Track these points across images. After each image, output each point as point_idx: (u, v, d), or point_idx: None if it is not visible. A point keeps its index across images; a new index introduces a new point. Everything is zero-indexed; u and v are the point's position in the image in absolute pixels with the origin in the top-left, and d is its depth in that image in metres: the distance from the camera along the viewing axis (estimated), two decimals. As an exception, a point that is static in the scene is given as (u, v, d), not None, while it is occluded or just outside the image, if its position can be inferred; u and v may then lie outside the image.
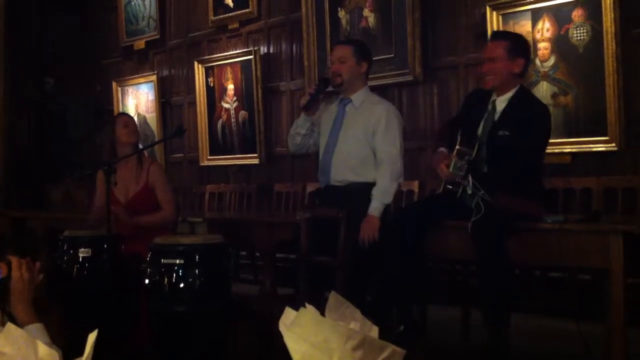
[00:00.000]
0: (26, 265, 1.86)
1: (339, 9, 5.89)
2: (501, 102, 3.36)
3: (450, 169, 3.17)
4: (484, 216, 3.05)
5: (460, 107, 3.75)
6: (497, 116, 3.33)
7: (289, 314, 1.20)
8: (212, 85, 7.01)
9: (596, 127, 4.55)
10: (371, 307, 3.47)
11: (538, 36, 4.79)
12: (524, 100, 3.36)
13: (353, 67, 3.80)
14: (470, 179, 3.13)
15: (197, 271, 3.00)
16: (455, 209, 3.22)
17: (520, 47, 3.39)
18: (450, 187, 3.27)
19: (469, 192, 3.15)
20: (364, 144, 3.71)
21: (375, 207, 3.60)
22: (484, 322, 3.14)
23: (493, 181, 3.14)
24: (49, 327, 1.83)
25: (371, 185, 3.70)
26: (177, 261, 2.99)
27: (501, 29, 4.92)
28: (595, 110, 4.55)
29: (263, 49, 6.61)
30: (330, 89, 3.95)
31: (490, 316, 3.10)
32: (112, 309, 3.20)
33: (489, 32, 4.96)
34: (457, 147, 3.23)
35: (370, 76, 5.48)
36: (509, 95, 3.35)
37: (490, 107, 3.37)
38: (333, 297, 1.26)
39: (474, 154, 3.20)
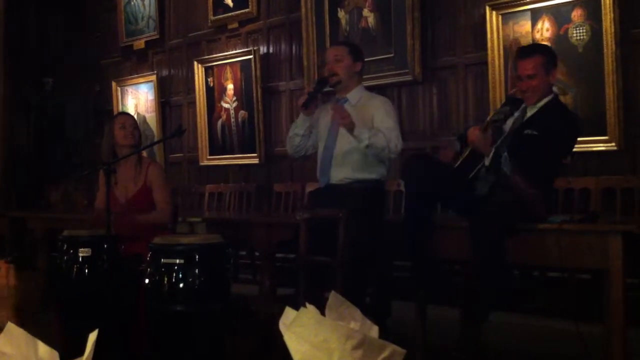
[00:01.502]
0: (14, 272, 1.86)
1: (338, 9, 5.90)
2: (532, 109, 3.36)
3: (491, 115, 3.17)
4: (485, 216, 3.05)
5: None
6: (526, 117, 3.35)
7: (289, 314, 1.20)
8: (211, 85, 7.01)
9: (595, 127, 4.55)
10: (371, 307, 3.47)
11: (537, 36, 4.79)
12: (558, 109, 3.36)
13: (349, 66, 3.85)
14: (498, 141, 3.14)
15: (196, 271, 2.99)
16: (463, 193, 3.24)
17: (554, 58, 3.40)
18: (469, 161, 3.29)
19: (487, 164, 3.15)
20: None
21: (361, 131, 3.59)
22: (465, 318, 3.15)
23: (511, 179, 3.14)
24: (49, 328, 1.84)
25: (372, 182, 3.73)
26: (177, 261, 2.99)
27: (501, 29, 4.93)
28: (595, 110, 4.56)
29: (262, 49, 6.61)
30: (328, 88, 3.97)
31: (477, 312, 3.12)
32: (112, 308, 3.20)
33: (489, 32, 4.98)
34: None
35: (369, 76, 5.54)
36: (541, 103, 3.35)
37: (520, 111, 3.38)
38: (333, 297, 1.26)
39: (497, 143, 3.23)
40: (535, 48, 3.62)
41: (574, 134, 3.37)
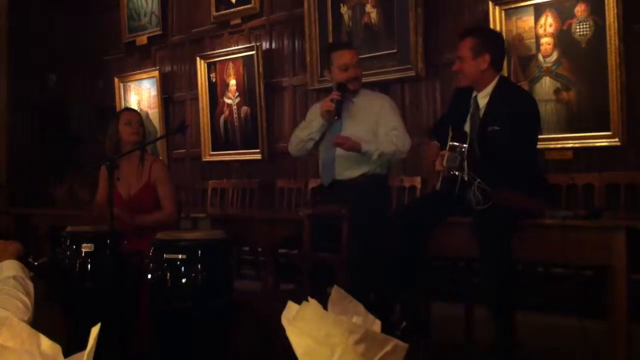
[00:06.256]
0: None
1: (341, 4, 5.89)
2: (482, 98, 3.34)
3: (444, 163, 3.16)
4: (489, 213, 3.04)
5: (449, 104, 3.75)
6: (481, 112, 3.32)
7: (291, 308, 1.20)
8: (214, 81, 7.01)
9: (599, 123, 4.54)
10: (373, 303, 3.46)
11: (541, 31, 4.78)
12: (507, 92, 3.33)
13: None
14: (465, 168, 3.12)
15: (199, 267, 3.00)
16: (456, 204, 3.21)
17: (486, 42, 3.34)
18: (447, 183, 3.25)
19: (466, 178, 3.13)
20: (367, 132, 3.75)
21: (368, 146, 3.63)
22: (490, 317, 3.13)
23: (489, 170, 3.12)
24: (51, 322, 1.84)
25: (375, 176, 3.73)
26: (180, 257, 2.99)
27: (504, 24, 4.92)
28: (598, 105, 4.55)
29: (265, 45, 6.61)
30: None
31: (494, 312, 3.10)
32: (115, 304, 3.21)
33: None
34: (450, 143, 3.22)
35: (372, 72, 5.55)
36: (488, 89, 3.32)
37: (472, 103, 3.36)
38: (336, 292, 1.26)
39: (466, 146, 3.19)
40: (470, 30, 3.58)
41: (536, 115, 3.32)
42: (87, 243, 3.41)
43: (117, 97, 8.11)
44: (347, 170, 3.77)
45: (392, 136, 3.70)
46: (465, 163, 3.13)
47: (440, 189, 3.33)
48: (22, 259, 1.89)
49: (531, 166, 3.30)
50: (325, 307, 1.21)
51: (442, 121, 3.64)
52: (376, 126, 3.76)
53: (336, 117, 3.75)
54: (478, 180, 3.06)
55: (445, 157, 3.16)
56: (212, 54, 7.03)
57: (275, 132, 6.57)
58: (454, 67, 3.42)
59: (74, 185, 7.30)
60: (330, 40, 5.85)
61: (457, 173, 3.14)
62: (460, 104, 3.44)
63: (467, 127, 3.33)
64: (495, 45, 3.38)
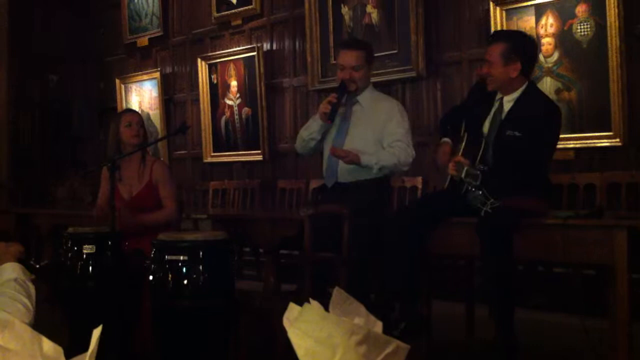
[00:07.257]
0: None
1: (342, 5, 5.89)
2: (508, 102, 3.29)
3: (463, 176, 3.07)
4: (492, 214, 3.03)
5: (466, 97, 3.71)
6: (504, 115, 3.27)
7: (293, 310, 1.20)
8: (215, 82, 7.01)
9: (600, 123, 4.54)
10: (374, 304, 3.46)
11: (542, 32, 4.78)
12: (533, 99, 3.28)
13: (366, 72, 3.80)
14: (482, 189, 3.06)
15: (200, 267, 2.99)
16: (460, 205, 3.20)
17: (518, 49, 3.25)
18: (455, 184, 3.24)
19: (480, 192, 3.10)
20: (373, 140, 3.71)
21: (368, 159, 3.60)
22: (490, 316, 3.13)
23: (503, 186, 3.08)
24: (53, 324, 1.84)
25: (380, 180, 3.72)
26: (181, 257, 2.99)
27: (504, 24, 4.91)
28: (599, 105, 4.55)
29: (266, 46, 6.61)
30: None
31: (496, 311, 3.10)
32: (116, 305, 3.21)
33: (493, 28, 4.96)
34: (464, 145, 3.19)
35: (373, 72, 5.52)
36: (515, 95, 3.27)
37: (497, 104, 3.32)
38: (337, 293, 1.26)
39: (480, 153, 3.17)
40: (502, 34, 3.50)
41: (557, 126, 3.30)
42: (88, 244, 3.41)
43: (118, 98, 8.11)
44: (351, 175, 3.74)
45: (395, 148, 3.64)
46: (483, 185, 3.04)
47: (446, 189, 3.32)
48: (23, 261, 1.89)
49: (542, 174, 3.29)
50: (326, 308, 1.21)
51: (453, 114, 3.61)
52: (382, 135, 3.71)
53: (329, 121, 3.72)
54: (492, 200, 3.00)
55: (465, 170, 3.06)
56: (213, 55, 7.04)
57: (276, 132, 6.57)
58: (482, 70, 3.34)
59: (75, 185, 7.32)
60: (331, 40, 5.86)
61: (472, 189, 3.08)
62: (481, 101, 3.38)
63: (485, 128, 3.30)
64: (527, 52, 3.30)
